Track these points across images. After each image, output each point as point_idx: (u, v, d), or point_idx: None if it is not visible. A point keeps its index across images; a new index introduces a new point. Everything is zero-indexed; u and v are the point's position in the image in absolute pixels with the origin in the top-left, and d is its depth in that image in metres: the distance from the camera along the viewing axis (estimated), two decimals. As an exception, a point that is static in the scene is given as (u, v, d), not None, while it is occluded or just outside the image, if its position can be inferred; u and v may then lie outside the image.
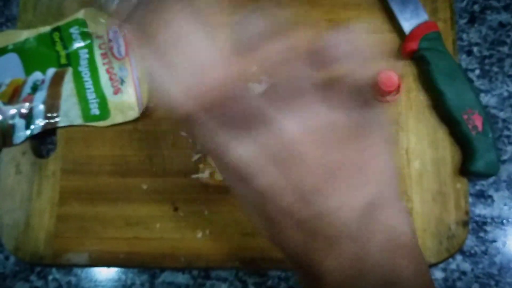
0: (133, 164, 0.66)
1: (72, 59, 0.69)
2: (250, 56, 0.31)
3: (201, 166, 0.62)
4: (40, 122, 0.67)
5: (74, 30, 0.69)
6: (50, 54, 0.70)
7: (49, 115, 0.67)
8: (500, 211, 0.63)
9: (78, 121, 0.67)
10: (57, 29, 0.70)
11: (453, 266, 0.61)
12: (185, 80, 0.30)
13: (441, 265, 0.61)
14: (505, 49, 0.67)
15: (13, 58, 0.70)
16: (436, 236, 0.60)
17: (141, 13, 0.31)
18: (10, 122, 0.67)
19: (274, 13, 0.33)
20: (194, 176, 0.63)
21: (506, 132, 0.65)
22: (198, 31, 0.31)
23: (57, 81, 0.68)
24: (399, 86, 0.62)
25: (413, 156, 0.62)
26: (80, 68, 0.69)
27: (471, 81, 0.66)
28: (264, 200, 0.30)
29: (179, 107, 0.30)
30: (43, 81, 0.69)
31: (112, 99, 0.67)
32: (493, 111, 0.65)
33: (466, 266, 0.61)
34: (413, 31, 0.63)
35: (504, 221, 0.62)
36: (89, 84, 0.68)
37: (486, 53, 0.67)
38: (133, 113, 0.66)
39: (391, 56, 0.65)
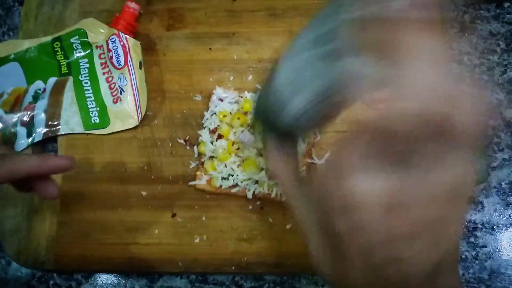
0: (132, 171, 0.67)
1: (73, 68, 0.71)
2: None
3: (198, 173, 0.64)
4: (41, 130, 0.69)
5: (74, 40, 0.71)
6: (51, 64, 0.72)
7: (50, 123, 0.69)
8: (490, 217, 0.64)
9: (79, 129, 0.69)
10: (58, 39, 0.71)
11: (444, 270, 0.63)
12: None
13: (432, 270, 0.63)
14: (495, 57, 0.69)
15: (15, 67, 0.72)
16: (427, 241, 0.61)
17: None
18: (12, 130, 0.69)
19: None
20: (191, 183, 0.64)
21: (495, 139, 0.66)
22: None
23: (58, 90, 0.70)
24: (391, 95, 0.63)
25: (405, 163, 0.64)
26: (80, 77, 0.70)
27: (461, 89, 0.68)
28: (353, 235, 0.30)
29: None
30: (44, 90, 0.70)
31: (112, 108, 0.68)
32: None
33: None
34: (404, 41, 0.64)
35: (495, 227, 0.64)
36: (89, 93, 0.70)
37: (476, 61, 0.69)
38: (133, 121, 0.67)
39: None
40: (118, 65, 0.67)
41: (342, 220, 0.31)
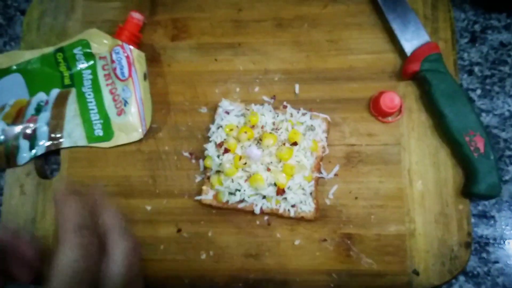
0: (137, 185, 0.66)
1: (76, 79, 0.70)
2: None
3: (204, 188, 0.63)
4: (44, 143, 0.68)
5: (77, 51, 0.69)
6: (53, 75, 0.70)
7: (53, 136, 0.68)
8: (502, 232, 0.63)
9: (82, 142, 0.68)
10: (60, 49, 0.70)
11: (455, 287, 0.62)
12: None
13: (444, 287, 0.61)
14: (506, 68, 0.67)
15: (16, 79, 0.71)
16: (438, 257, 0.60)
17: None
18: (14, 143, 0.68)
19: None
20: (197, 197, 0.63)
21: (507, 152, 0.65)
22: None
23: (60, 102, 0.69)
24: (401, 107, 0.62)
25: (416, 177, 0.62)
26: (83, 89, 0.69)
27: (472, 101, 0.66)
28: None
29: None
30: (47, 102, 0.69)
31: (115, 120, 0.67)
32: (495, 131, 0.66)
33: (469, 287, 0.62)
34: (414, 52, 0.63)
35: (506, 242, 0.62)
36: (92, 105, 0.68)
37: (487, 72, 0.68)
38: (137, 135, 0.66)
39: (392, 77, 0.66)
40: (122, 77, 0.66)
41: None
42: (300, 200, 0.60)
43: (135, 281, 0.47)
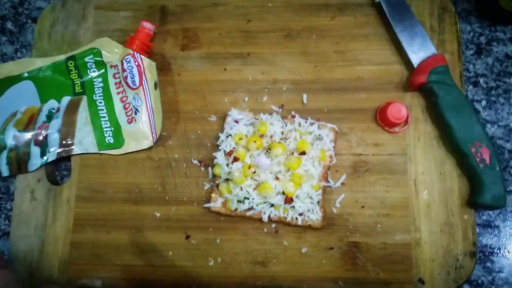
0: (147, 192, 0.67)
1: (87, 87, 0.71)
2: None
3: (213, 195, 0.64)
4: (55, 150, 0.69)
5: (88, 59, 0.70)
6: (65, 83, 0.71)
7: (64, 142, 0.69)
8: (506, 241, 0.64)
9: (93, 149, 0.69)
10: (72, 58, 0.71)
11: (461, 296, 0.63)
12: None
13: (449, 295, 0.62)
14: (511, 80, 0.68)
15: (28, 86, 0.72)
16: (444, 266, 0.61)
17: None
18: (26, 149, 0.69)
19: None
20: (206, 205, 0.64)
21: (512, 163, 0.66)
22: None
23: (72, 109, 0.70)
24: (407, 118, 0.63)
25: (421, 187, 0.63)
26: (95, 97, 0.70)
27: (477, 112, 0.67)
28: None
29: None
30: (58, 109, 0.70)
31: (126, 128, 0.68)
32: (499, 142, 0.67)
33: (474, 296, 0.62)
34: (421, 64, 0.64)
35: (511, 251, 0.63)
36: (103, 112, 0.69)
37: (492, 84, 0.69)
38: (147, 142, 0.67)
39: (399, 88, 0.67)
40: (133, 85, 0.67)
41: None
42: (307, 208, 0.61)
43: None
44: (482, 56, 0.70)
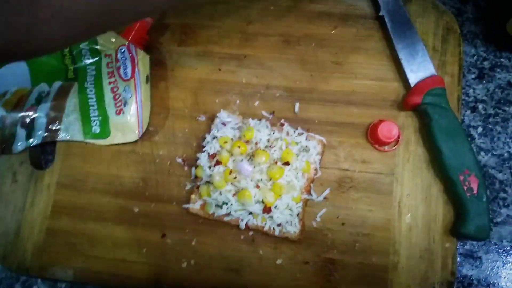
0: (127, 186, 0.66)
1: (80, 74, 0.70)
2: None
3: (193, 196, 0.63)
4: (40, 134, 0.68)
5: (84, 46, 0.70)
6: (58, 67, 0.71)
7: (50, 127, 0.68)
8: (487, 274, 0.62)
9: (78, 137, 0.68)
10: (67, 42, 0.70)
11: (433, 325, 0.61)
12: None
13: (421, 324, 0.61)
14: (511, 109, 0.66)
15: (21, 67, 0.71)
16: (419, 293, 0.59)
17: None
18: (11, 130, 0.68)
19: None
20: (185, 205, 0.63)
21: (502, 194, 0.64)
22: None
23: (62, 94, 0.69)
24: (398, 137, 0.62)
25: (405, 210, 0.62)
26: (86, 84, 0.69)
27: (472, 139, 0.66)
28: None
29: None
30: (48, 93, 0.69)
31: (114, 119, 0.67)
32: (492, 171, 0.65)
33: (447, 327, 0.61)
34: (418, 84, 0.62)
35: (491, 285, 0.62)
36: (93, 101, 0.69)
37: (491, 111, 0.67)
38: (133, 136, 0.66)
39: (393, 106, 0.65)
40: (125, 77, 0.66)
41: None
42: (286, 220, 0.60)
43: None
44: (484, 82, 0.68)
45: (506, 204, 0.64)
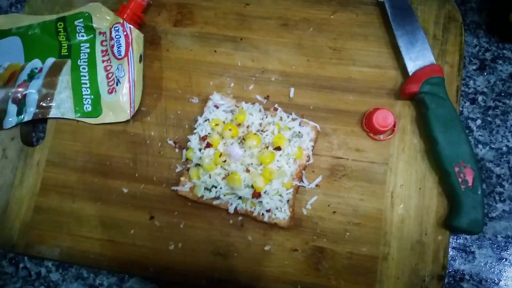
0: (117, 166, 0.65)
1: (73, 51, 0.69)
2: None
3: (182, 179, 0.62)
4: (32, 111, 0.67)
5: (78, 23, 0.69)
6: (52, 44, 0.70)
7: (42, 104, 0.67)
8: (480, 269, 0.61)
9: (70, 114, 0.67)
10: (62, 19, 0.69)
11: (421, 319, 0.60)
12: None
13: (409, 316, 0.60)
14: (511, 102, 0.65)
15: (15, 42, 0.70)
16: (408, 286, 0.58)
17: None
18: (2, 106, 0.67)
19: None
20: (174, 188, 0.62)
21: (498, 189, 0.63)
22: None
23: (54, 71, 0.68)
24: (394, 126, 0.60)
25: (398, 200, 0.61)
26: (79, 62, 0.68)
27: (470, 131, 0.64)
28: None
29: None
30: (40, 70, 0.68)
31: (105, 98, 0.66)
32: (489, 164, 0.63)
33: (435, 321, 0.60)
34: (416, 73, 0.61)
35: (483, 281, 0.60)
36: (85, 79, 0.68)
37: (491, 103, 0.65)
38: (125, 115, 0.65)
39: (390, 94, 0.63)
40: (119, 55, 0.65)
41: None
42: (275, 206, 0.59)
43: None
44: (485, 73, 0.66)
45: (502, 199, 0.62)
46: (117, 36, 0.65)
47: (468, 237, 0.62)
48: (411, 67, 0.62)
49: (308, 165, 0.61)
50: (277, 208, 0.59)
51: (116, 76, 0.65)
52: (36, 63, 0.69)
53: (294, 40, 0.66)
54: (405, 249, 0.59)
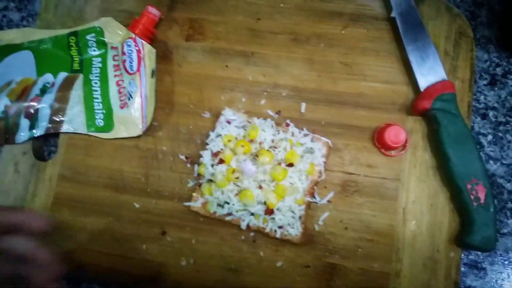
0: (129, 181, 0.65)
1: (85, 66, 0.69)
2: None
3: (194, 194, 0.62)
4: (44, 125, 0.67)
5: (90, 37, 0.69)
6: (64, 58, 0.70)
7: (54, 119, 0.67)
8: (491, 286, 0.61)
9: (82, 129, 0.67)
10: (74, 33, 0.69)
11: (433, 335, 0.60)
12: None
13: (422, 333, 0.60)
14: (522, 117, 0.65)
15: (27, 56, 0.70)
16: (420, 302, 0.58)
17: None
18: (15, 120, 0.68)
19: None
20: (186, 203, 0.62)
21: (510, 205, 0.63)
22: None
23: (66, 86, 0.68)
24: (406, 143, 0.60)
25: (410, 216, 0.61)
26: (91, 76, 0.69)
27: (481, 147, 0.64)
28: None
29: None
30: (53, 84, 0.69)
31: (117, 113, 0.67)
32: (500, 180, 0.63)
33: (447, 338, 0.60)
34: (428, 89, 0.61)
35: (494, 296, 0.60)
36: (97, 94, 0.68)
37: (502, 119, 0.65)
38: (137, 130, 0.65)
39: (401, 110, 0.64)
40: (130, 70, 0.65)
41: None
42: (288, 222, 0.59)
43: None
44: (496, 88, 0.66)
45: (513, 214, 0.62)
46: (129, 51, 0.65)
47: (479, 253, 0.62)
48: (423, 83, 0.62)
49: (320, 181, 0.62)
50: (289, 225, 0.59)
51: (128, 91, 0.66)
52: (48, 77, 0.69)
53: (305, 55, 0.67)
54: (417, 266, 0.59)
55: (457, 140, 0.59)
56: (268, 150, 0.59)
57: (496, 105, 0.66)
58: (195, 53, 0.69)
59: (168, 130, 0.66)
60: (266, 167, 0.58)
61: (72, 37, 0.70)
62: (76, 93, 0.68)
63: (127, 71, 0.66)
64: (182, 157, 0.65)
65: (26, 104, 0.68)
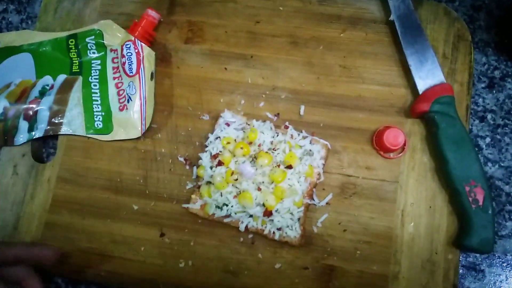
0: (128, 183, 0.65)
1: (84, 68, 0.70)
2: None
3: (193, 196, 0.62)
4: (43, 127, 0.68)
5: (90, 40, 0.69)
6: (63, 60, 0.70)
7: (53, 121, 0.68)
8: (489, 288, 0.61)
9: (81, 131, 0.67)
10: (73, 36, 0.70)
11: (432, 338, 0.60)
12: None
13: (420, 335, 0.60)
14: (520, 120, 0.65)
15: (26, 59, 0.71)
16: (419, 305, 0.58)
17: None
18: (14, 122, 0.68)
19: None
20: (185, 205, 0.62)
21: (508, 207, 0.63)
22: None
23: (66, 88, 0.69)
24: (404, 145, 0.61)
25: (408, 218, 0.61)
26: (90, 79, 0.69)
27: (479, 149, 0.64)
28: None
29: None
30: (52, 86, 0.69)
31: (117, 115, 0.67)
32: (498, 183, 0.63)
33: None
34: (426, 92, 0.61)
35: (492, 299, 0.60)
36: (96, 96, 0.68)
37: (500, 121, 0.65)
38: (136, 132, 0.66)
39: (400, 112, 0.64)
40: (130, 73, 0.66)
41: None
42: (286, 224, 0.59)
43: None
44: (494, 91, 0.66)
45: None
46: (128, 54, 0.66)
47: (478, 255, 0.62)
48: (421, 86, 0.62)
49: (319, 183, 0.62)
50: (288, 226, 0.59)
51: (127, 93, 0.66)
52: (47, 79, 0.69)
53: (304, 58, 0.67)
54: (416, 268, 0.59)
55: (455, 143, 0.59)
56: (267, 152, 0.59)
57: (494, 107, 0.66)
58: (194, 55, 0.69)
59: (167, 132, 0.66)
60: (265, 169, 0.59)
61: (72, 40, 0.70)
62: (75, 95, 0.68)
63: (126, 74, 0.66)
64: (181, 159, 0.65)
65: (25, 106, 0.68)
